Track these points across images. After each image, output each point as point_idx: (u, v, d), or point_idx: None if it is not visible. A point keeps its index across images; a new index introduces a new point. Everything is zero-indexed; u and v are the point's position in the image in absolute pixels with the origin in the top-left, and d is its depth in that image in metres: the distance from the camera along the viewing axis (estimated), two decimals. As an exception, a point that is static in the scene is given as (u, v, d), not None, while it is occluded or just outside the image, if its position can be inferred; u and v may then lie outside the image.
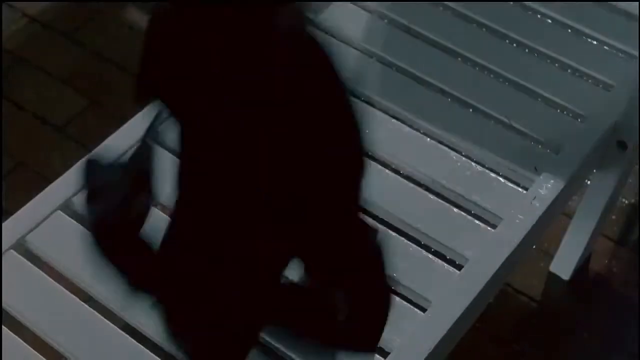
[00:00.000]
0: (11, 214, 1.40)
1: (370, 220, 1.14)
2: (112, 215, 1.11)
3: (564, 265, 1.86)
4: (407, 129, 1.56)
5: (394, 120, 1.58)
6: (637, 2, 1.74)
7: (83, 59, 2.20)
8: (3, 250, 1.35)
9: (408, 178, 1.51)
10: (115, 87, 2.14)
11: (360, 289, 1.10)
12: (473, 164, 1.52)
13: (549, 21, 1.75)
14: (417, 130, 1.56)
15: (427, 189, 1.49)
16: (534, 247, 1.88)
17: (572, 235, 1.82)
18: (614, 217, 1.95)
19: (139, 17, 2.31)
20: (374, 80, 1.64)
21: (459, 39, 1.70)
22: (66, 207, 1.42)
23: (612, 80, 1.65)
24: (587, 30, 1.73)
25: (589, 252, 1.88)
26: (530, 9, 1.76)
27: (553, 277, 1.86)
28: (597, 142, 1.56)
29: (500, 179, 1.51)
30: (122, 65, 2.18)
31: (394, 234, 1.43)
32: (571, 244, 1.84)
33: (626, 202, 1.98)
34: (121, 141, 1.50)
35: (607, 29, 1.73)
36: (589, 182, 1.73)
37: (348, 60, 1.64)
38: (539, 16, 1.76)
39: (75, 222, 1.40)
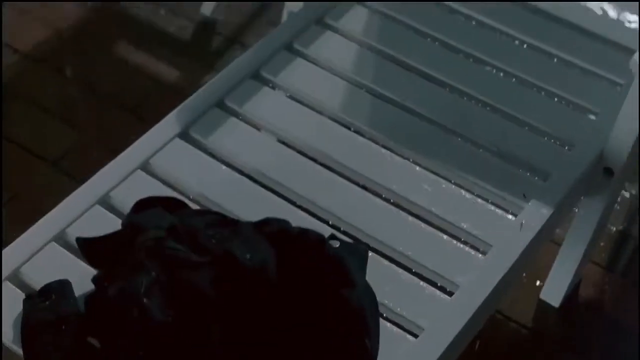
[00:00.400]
0: (6, 246, 1.41)
1: None
2: None
3: (554, 292, 1.88)
4: (397, 157, 1.58)
5: (383, 150, 1.60)
6: (619, 32, 1.78)
7: (76, 93, 2.22)
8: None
9: (398, 206, 1.52)
10: (108, 120, 2.16)
11: None
12: (462, 191, 1.54)
13: (535, 51, 1.78)
14: (407, 159, 1.58)
15: (417, 216, 1.51)
16: (525, 274, 1.90)
17: (561, 263, 1.84)
18: (602, 244, 1.96)
19: (130, 52, 2.34)
20: (364, 110, 1.66)
21: (447, 69, 1.73)
22: (60, 239, 1.43)
23: (597, 108, 1.68)
24: (572, 59, 1.76)
25: (579, 279, 1.90)
26: (517, 39, 1.79)
27: (543, 304, 1.88)
28: (584, 169, 1.58)
29: (490, 206, 1.52)
30: (114, 99, 2.20)
31: (385, 261, 1.44)
32: (561, 271, 1.85)
33: (614, 229, 2.00)
34: (113, 174, 1.52)
35: (591, 57, 1.76)
36: (577, 210, 1.75)
37: (338, 91, 1.68)
38: (524, 46, 1.79)
39: (69, 253, 1.41)
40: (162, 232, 1.31)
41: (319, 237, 1.32)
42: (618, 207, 2.01)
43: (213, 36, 2.40)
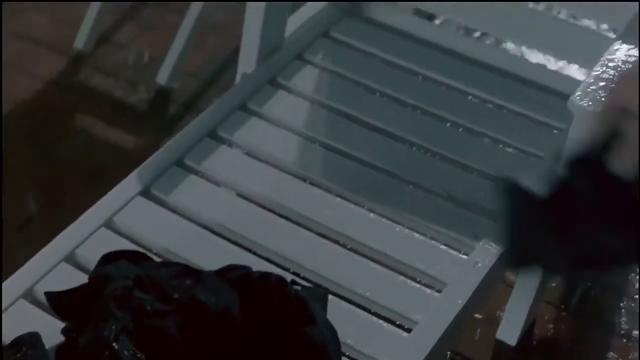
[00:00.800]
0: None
1: None
2: None
3: (509, 332, 1.93)
4: (352, 206, 1.65)
5: (339, 200, 1.66)
6: (559, 80, 1.87)
7: (39, 162, 2.26)
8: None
9: (355, 251, 1.58)
10: (70, 186, 2.20)
11: None
12: (416, 234, 1.61)
13: (479, 101, 1.87)
14: (362, 206, 1.65)
15: (375, 260, 1.57)
16: (481, 315, 1.96)
17: (514, 303, 1.90)
18: (554, 284, 2.03)
19: (90, 122, 2.39)
20: (319, 163, 1.73)
21: (396, 122, 1.81)
22: (28, 295, 1.47)
23: (541, 152, 1.76)
24: (515, 108, 1.85)
25: (533, 318, 1.96)
26: (461, 91, 1.88)
27: (500, 344, 1.93)
28: (531, 209, 1.65)
29: (443, 247, 1.59)
30: (76, 167, 2.25)
31: (345, 303, 1.50)
32: (515, 312, 1.91)
33: (565, 270, 2.07)
34: (78, 232, 1.57)
35: (533, 105, 1.85)
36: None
37: (293, 146, 1.75)
38: (469, 97, 1.87)
39: (38, 309, 1.45)
40: (129, 281, 1.35)
41: (280, 279, 1.37)
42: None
43: (169, 104, 2.47)
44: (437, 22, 2.40)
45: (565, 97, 1.78)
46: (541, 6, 2.11)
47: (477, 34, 2.45)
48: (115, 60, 2.56)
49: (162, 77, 2.47)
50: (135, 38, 2.63)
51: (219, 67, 2.54)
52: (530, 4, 2.03)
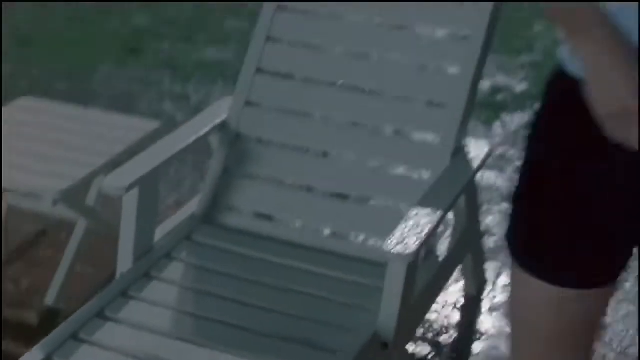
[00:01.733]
0: None
1: None
2: None
3: None
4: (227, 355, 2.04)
5: (214, 351, 2.05)
6: (376, 253, 2.34)
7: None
8: None
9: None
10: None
11: None
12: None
13: (307, 272, 2.32)
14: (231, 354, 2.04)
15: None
16: None
17: None
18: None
19: None
20: (191, 328, 2.16)
21: (248, 294, 2.24)
22: None
23: (370, 305, 2.20)
24: (336, 275, 2.31)
25: None
26: (291, 267, 2.34)
27: None
28: (362, 344, 2.08)
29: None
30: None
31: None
32: None
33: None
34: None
35: (362, 273, 2.31)
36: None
37: (167, 320, 2.14)
38: (298, 270, 2.33)
39: None
40: None
41: None
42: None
43: (58, 321, 2.79)
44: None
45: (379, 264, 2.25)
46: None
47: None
48: (6, 290, 2.91)
49: (50, 299, 2.84)
50: (23, 272, 3.00)
51: (99, 288, 2.92)
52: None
